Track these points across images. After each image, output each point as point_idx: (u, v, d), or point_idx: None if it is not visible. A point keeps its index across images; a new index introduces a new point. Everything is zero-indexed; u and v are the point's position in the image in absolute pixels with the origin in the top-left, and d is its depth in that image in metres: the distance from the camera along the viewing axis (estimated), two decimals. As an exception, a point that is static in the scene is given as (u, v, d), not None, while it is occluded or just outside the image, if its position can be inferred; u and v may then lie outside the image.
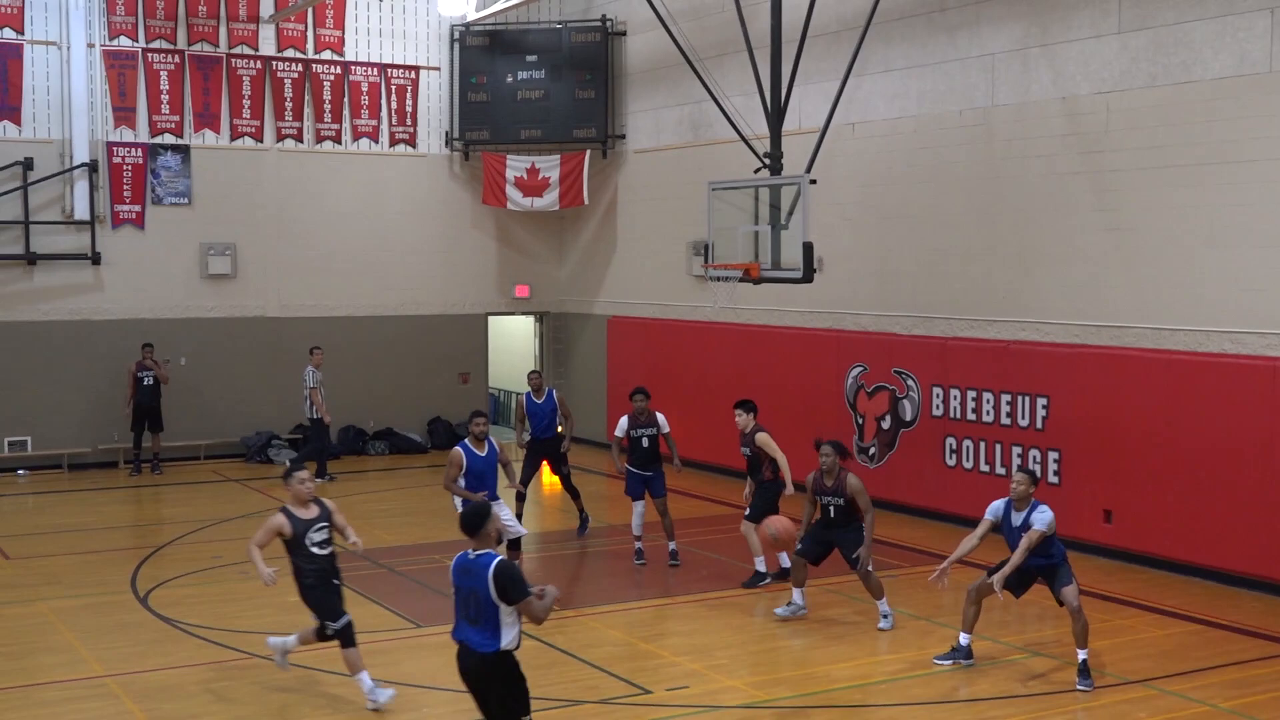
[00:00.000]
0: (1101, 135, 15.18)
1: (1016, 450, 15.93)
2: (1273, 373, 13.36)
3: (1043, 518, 10.75)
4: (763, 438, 13.77)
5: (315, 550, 10.16)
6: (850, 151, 18.28)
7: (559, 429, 16.71)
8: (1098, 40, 15.21)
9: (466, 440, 13.45)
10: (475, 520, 7.76)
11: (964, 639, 11.30)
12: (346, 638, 10.16)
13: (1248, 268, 13.76)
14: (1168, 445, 14.21)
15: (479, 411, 13.85)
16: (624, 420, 15.18)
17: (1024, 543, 10.72)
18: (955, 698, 10.48)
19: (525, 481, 16.15)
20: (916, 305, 17.62)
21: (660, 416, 15.18)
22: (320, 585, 10.21)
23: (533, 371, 17.42)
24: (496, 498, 13.33)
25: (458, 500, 12.97)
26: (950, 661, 11.24)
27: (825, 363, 18.73)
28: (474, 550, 7.75)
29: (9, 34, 21.04)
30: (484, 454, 13.32)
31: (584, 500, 16.71)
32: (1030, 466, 15.38)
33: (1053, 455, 15.53)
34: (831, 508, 12.38)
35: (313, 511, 10.25)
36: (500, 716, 7.84)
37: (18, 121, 21.14)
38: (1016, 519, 10.92)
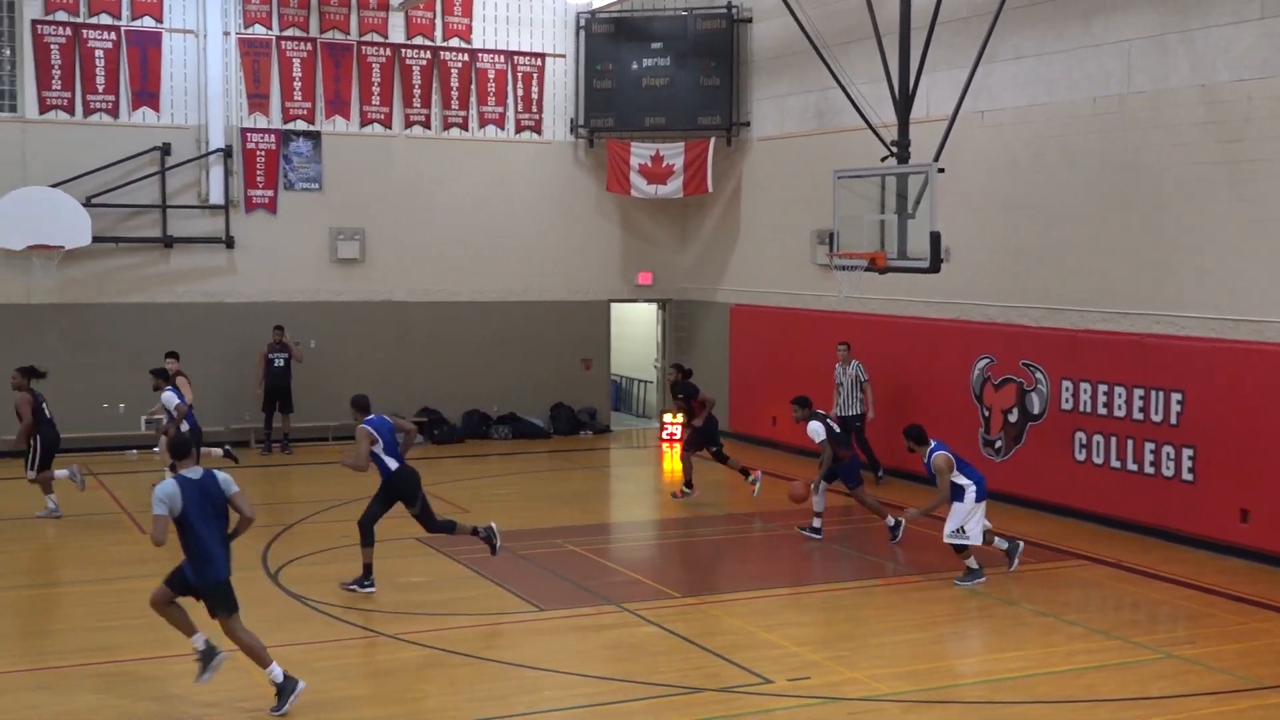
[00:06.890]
0: (1242, 124, 14.73)
1: (1149, 446, 15.56)
2: None
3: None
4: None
5: None
6: (978, 140, 17.99)
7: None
8: (1238, 26, 14.76)
9: None
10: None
11: None
12: None
13: (1396, 261, 13.28)
14: (1308, 444, 13.80)
15: None
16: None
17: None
18: (1084, 697, 10.27)
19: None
20: (1045, 296, 17.28)
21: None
22: None
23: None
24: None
25: None
26: None
27: (951, 354, 18.47)
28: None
29: (149, 22, 21.57)
30: None
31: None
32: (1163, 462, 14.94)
33: (1187, 452, 15.14)
34: None
35: None
36: None
37: (156, 108, 21.69)
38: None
